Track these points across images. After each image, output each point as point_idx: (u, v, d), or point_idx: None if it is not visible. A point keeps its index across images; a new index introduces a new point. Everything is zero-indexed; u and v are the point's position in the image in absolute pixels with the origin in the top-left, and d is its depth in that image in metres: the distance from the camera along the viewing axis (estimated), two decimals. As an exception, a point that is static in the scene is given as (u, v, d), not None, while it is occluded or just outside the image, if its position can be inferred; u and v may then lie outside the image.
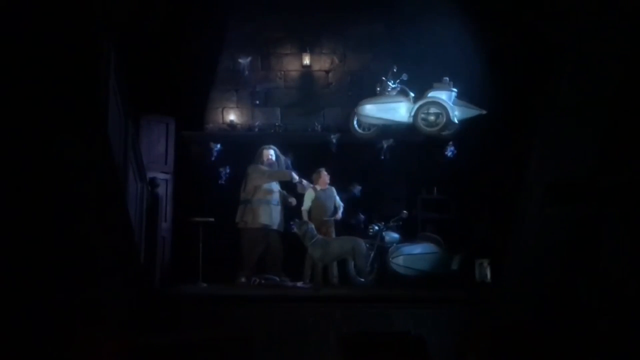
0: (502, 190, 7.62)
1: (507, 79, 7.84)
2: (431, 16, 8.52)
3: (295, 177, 8.10)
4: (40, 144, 5.25)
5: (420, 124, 8.07)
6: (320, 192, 8.07)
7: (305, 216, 7.93)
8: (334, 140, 8.85)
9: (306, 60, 9.33)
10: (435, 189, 8.70)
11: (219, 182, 8.65)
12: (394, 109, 8.20)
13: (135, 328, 5.57)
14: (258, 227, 7.95)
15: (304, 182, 8.12)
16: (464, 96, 8.21)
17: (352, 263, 7.86)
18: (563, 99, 5.80)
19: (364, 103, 8.26)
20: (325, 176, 8.14)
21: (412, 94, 8.22)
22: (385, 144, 8.79)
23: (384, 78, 8.23)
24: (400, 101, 8.21)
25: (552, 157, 5.96)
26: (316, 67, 9.42)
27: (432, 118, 8.08)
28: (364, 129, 8.41)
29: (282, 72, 9.42)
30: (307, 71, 9.39)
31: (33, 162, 5.26)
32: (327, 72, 9.44)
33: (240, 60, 9.16)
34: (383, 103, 8.22)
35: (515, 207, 6.47)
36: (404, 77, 8.18)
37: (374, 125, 8.36)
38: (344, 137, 8.63)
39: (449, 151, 8.56)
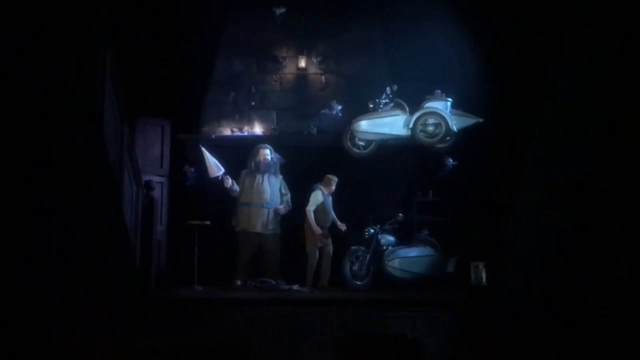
0: (498, 193, 7.63)
1: (502, 83, 7.86)
2: (427, 20, 8.53)
3: (221, 170, 8.02)
4: (35, 147, 5.24)
5: (420, 135, 8.14)
6: (326, 197, 8.01)
7: (310, 217, 7.80)
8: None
9: (302, 64, 9.32)
10: (430, 191, 8.69)
11: (187, 183, 8.45)
12: (390, 123, 8.24)
13: (131, 331, 5.56)
14: (240, 230, 8.01)
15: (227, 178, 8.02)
16: (459, 102, 8.23)
17: (348, 266, 7.91)
18: (558, 102, 5.82)
19: (359, 120, 8.29)
20: (334, 184, 8.01)
21: (407, 106, 8.22)
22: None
23: (377, 100, 8.31)
24: (397, 114, 8.24)
25: (548, 160, 5.98)
26: (312, 70, 9.42)
27: (431, 129, 8.14)
28: (358, 148, 8.44)
29: (278, 75, 9.41)
30: (303, 74, 9.38)
31: (28, 166, 5.25)
32: (323, 75, 9.43)
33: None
34: (379, 118, 8.25)
35: (511, 209, 6.48)
36: (394, 87, 8.23)
37: (370, 141, 8.37)
38: (339, 140, 8.60)
39: (449, 164, 8.35)
